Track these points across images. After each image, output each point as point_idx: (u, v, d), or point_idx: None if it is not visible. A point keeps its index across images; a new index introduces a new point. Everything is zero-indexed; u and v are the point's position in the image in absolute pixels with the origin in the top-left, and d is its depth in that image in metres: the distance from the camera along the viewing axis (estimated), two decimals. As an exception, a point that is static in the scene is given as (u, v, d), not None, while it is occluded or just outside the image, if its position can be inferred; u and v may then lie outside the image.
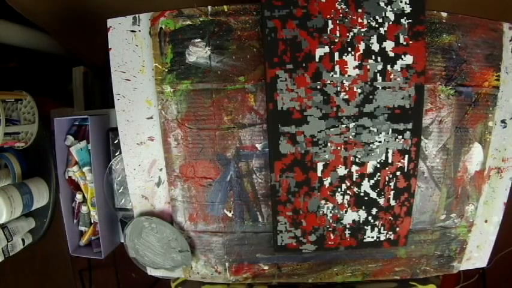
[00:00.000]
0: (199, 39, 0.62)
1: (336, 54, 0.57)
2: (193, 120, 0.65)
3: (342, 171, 0.62)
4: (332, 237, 0.66)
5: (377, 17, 0.57)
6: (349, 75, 0.58)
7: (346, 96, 0.58)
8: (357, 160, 0.61)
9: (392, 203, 0.64)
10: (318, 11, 0.56)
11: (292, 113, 0.59)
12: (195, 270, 0.73)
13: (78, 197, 0.85)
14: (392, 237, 0.66)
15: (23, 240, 0.85)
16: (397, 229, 0.66)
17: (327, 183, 0.62)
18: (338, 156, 0.61)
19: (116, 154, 0.81)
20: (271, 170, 0.62)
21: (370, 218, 0.65)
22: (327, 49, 0.57)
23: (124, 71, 0.65)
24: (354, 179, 0.62)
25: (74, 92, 1.01)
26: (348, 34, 0.57)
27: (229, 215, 0.68)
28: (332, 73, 0.58)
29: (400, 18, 0.57)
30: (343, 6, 0.56)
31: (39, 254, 1.43)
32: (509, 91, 0.65)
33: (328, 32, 0.57)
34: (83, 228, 0.88)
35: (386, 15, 0.57)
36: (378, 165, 0.62)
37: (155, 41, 0.63)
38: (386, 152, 0.61)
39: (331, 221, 0.65)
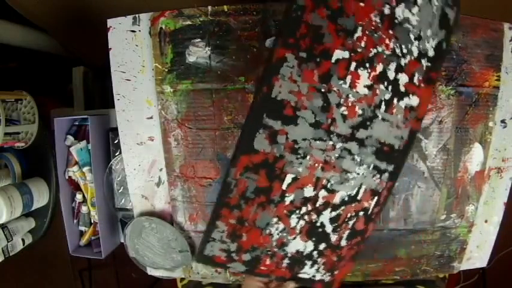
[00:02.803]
0: (199, 39, 0.62)
1: (353, 64, 0.51)
2: (193, 120, 0.65)
3: (308, 191, 0.54)
4: (267, 262, 0.58)
5: (403, 46, 0.52)
6: (357, 92, 0.52)
7: (346, 112, 0.53)
8: (328, 185, 0.54)
9: (343, 243, 0.58)
10: (352, 12, 0.51)
11: (285, 107, 0.51)
12: (195, 270, 0.73)
13: (78, 197, 0.85)
14: (327, 279, 0.60)
15: (23, 240, 0.85)
16: (335, 272, 0.60)
17: (288, 200, 0.54)
18: (312, 174, 0.53)
19: (116, 154, 0.81)
20: (233, 163, 0.53)
21: (315, 252, 0.57)
22: (346, 54, 0.51)
23: (124, 71, 0.65)
24: (317, 205, 0.55)
25: (74, 92, 1.01)
26: (371, 49, 0.51)
27: (229, 215, 0.68)
28: (342, 82, 0.52)
29: (421, 58, 0.53)
30: (378, 20, 0.51)
31: (39, 254, 1.43)
32: (509, 91, 0.65)
33: (355, 38, 0.51)
34: (83, 228, 0.88)
35: (411, 49, 0.52)
36: (346, 199, 0.55)
37: (155, 41, 0.63)
38: (359, 187, 0.55)
39: (274, 244, 0.56)
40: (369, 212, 0.57)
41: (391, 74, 0.52)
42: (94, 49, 0.84)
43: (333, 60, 0.51)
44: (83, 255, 0.88)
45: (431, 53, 0.54)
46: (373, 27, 0.51)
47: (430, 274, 0.73)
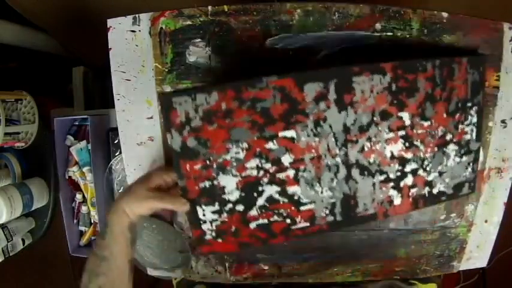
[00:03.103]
0: (199, 39, 0.62)
1: (402, 132, 0.56)
2: (193, 120, 0.64)
3: (286, 158, 0.52)
4: (196, 167, 0.53)
5: (430, 165, 0.58)
6: (384, 147, 0.56)
7: (366, 149, 0.55)
8: (299, 173, 0.54)
9: (253, 225, 0.56)
10: (436, 111, 0.57)
11: (349, 93, 0.52)
12: (195, 270, 0.73)
13: (78, 197, 0.85)
14: (209, 237, 0.57)
15: (23, 240, 0.85)
16: (219, 239, 0.57)
17: (270, 145, 0.52)
18: (303, 151, 0.53)
19: (116, 154, 0.81)
20: (280, 74, 0.50)
21: (230, 205, 0.54)
22: (407, 122, 0.56)
23: (124, 71, 0.65)
24: (277, 175, 0.53)
25: (74, 92, 1.01)
26: (418, 141, 0.57)
27: (229, 215, 0.68)
28: (387, 131, 0.55)
29: (428, 185, 0.60)
30: (440, 133, 0.58)
31: (39, 254, 1.43)
32: (509, 91, 0.65)
33: (420, 122, 0.56)
34: (83, 228, 0.88)
35: (431, 173, 0.59)
36: (295, 197, 0.55)
37: (155, 41, 0.63)
38: (310, 203, 0.56)
39: (219, 160, 0.52)
40: (294, 226, 0.56)
41: (407, 168, 0.57)
42: (94, 49, 0.84)
43: (398, 114, 0.55)
44: (83, 255, 0.88)
45: (435, 191, 0.60)
46: (434, 133, 0.57)
47: (430, 274, 0.73)
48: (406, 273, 0.72)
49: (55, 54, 1.16)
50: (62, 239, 0.85)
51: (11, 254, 0.83)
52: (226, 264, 0.72)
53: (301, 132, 0.52)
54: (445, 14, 0.61)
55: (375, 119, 0.54)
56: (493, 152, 0.67)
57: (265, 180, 0.54)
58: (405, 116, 0.55)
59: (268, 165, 0.53)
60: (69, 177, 0.85)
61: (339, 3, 0.60)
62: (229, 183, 0.53)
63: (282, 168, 0.53)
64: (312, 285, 0.75)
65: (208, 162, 0.52)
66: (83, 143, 0.82)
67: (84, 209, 0.85)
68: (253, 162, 0.53)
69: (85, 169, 0.82)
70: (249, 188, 0.54)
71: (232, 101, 0.50)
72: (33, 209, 0.80)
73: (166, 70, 0.63)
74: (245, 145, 0.52)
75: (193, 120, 0.51)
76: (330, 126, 0.53)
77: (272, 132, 0.52)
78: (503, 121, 0.66)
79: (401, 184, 0.58)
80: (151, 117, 0.67)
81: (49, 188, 0.82)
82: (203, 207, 0.55)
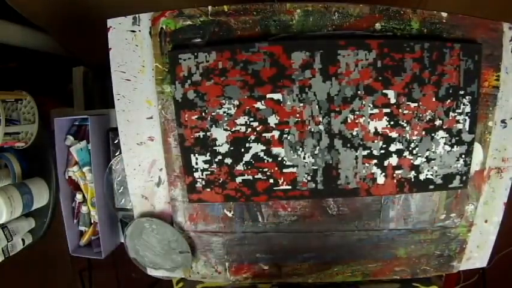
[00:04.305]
0: (199, 39, 0.62)
1: (388, 110, 0.58)
2: (193, 120, 0.65)
3: (272, 119, 0.59)
4: (193, 117, 0.61)
5: (417, 148, 0.60)
6: (368, 122, 0.59)
7: (349, 120, 0.58)
8: (283, 136, 0.59)
9: (238, 180, 0.63)
10: (424, 92, 0.58)
11: (334, 64, 0.57)
12: (195, 270, 0.73)
13: (78, 197, 0.85)
14: (198, 185, 0.64)
15: (23, 240, 0.85)
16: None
17: (259, 104, 0.58)
18: (288, 114, 0.58)
19: (116, 154, 0.81)
20: (271, 41, 0.56)
21: (219, 157, 0.61)
22: (392, 100, 0.58)
23: (124, 71, 0.65)
24: (263, 134, 0.59)
25: (74, 92, 1.01)
26: (405, 121, 0.58)
27: (229, 215, 0.68)
28: (371, 106, 0.58)
29: (415, 169, 0.61)
30: (429, 117, 0.59)
31: (39, 254, 1.43)
32: (509, 91, 0.65)
33: (409, 104, 0.58)
34: (83, 228, 0.88)
35: (418, 156, 0.60)
36: (279, 158, 0.60)
37: (155, 41, 0.63)
38: (294, 166, 0.60)
39: (214, 112, 0.59)
40: (276, 187, 0.61)
41: (392, 147, 0.59)
42: (94, 49, 0.84)
43: (383, 91, 0.57)
44: (83, 255, 0.88)
45: (422, 177, 0.62)
46: (421, 116, 0.58)
47: (430, 274, 0.73)
48: (406, 273, 0.72)
49: (55, 54, 1.15)
50: (62, 239, 0.85)
51: (11, 254, 0.83)
52: (226, 264, 0.72)
53: (287, 96, 0.57)
54: (444, 14, 0.61)
55: (359, 92, 0.57)
56: (493, 152, 0.67)
57: (252, 137, 0.59)
58: (391, 93, 0.57)
59: (255, 124, 0.59)
60: (69, 177, 0.85)
61: (339, 3, 0.60)
62: (221, 136, 0.60)
63: (268, 128, 0.59)
64: (312, 285, 0.75)
65: (203, 114, 0.59)
66: (83, 143, 0.82)
67: (84, 209, 0.85)
68: (242, 119, 0.59)
69: (85, 169, 0.82)
70: (238, 143, 0.59)
71: (227, 61, 0.57)
72: (33, 209, 0.80)
73: (167, 70, 0.63)
74: (236, 102, 0.58)
75: (194, 75, 0.58)
76: (314, 94, 0.57)
77: (261, 93, 0.58)
78: (503, 121, 0.66)
79: (386, 163, 0.59)
80: (151, 117, 0.67)
81: (49, 188, 0.82)
82: (196, 155, 0.61)
